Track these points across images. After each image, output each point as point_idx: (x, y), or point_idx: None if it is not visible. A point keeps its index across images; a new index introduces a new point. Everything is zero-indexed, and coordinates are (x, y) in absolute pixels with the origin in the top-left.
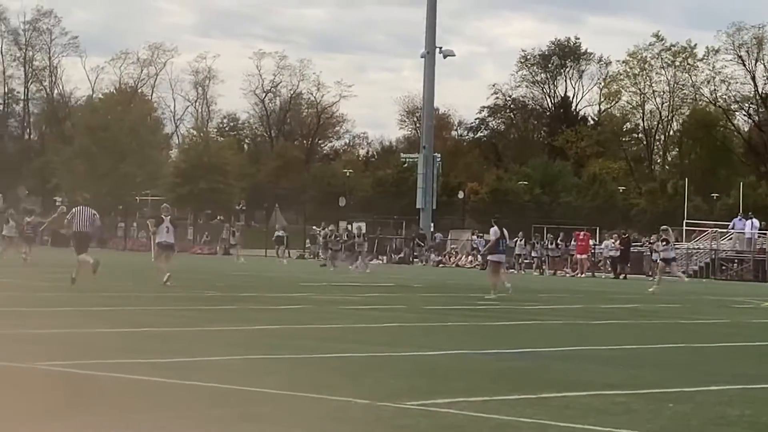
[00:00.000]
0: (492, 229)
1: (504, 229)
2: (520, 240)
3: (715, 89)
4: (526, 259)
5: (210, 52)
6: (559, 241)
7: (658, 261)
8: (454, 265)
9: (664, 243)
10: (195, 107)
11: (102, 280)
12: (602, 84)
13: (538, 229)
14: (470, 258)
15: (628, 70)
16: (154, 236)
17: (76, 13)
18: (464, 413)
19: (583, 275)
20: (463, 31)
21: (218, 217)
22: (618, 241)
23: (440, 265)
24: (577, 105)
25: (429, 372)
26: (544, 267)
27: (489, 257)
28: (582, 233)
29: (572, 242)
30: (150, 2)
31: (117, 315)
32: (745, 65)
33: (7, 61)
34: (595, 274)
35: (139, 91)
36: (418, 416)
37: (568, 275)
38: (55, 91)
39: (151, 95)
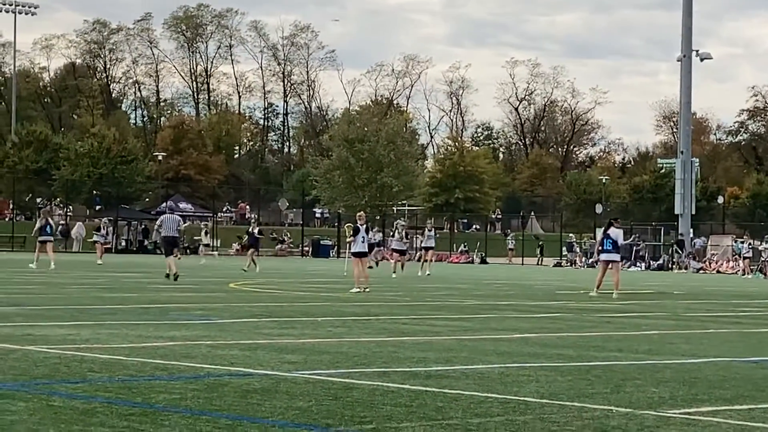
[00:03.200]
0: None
1: (614, 228)
2: None
3: None
4: None
5: (463, 62)
6: None
7: None
8: (714, 272)
9: None
10: (449, 117)
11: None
12: None
13: None
14: (731, 264)
15: None
16: (349, 245)
17: (331, 27)
18: (729, 422)
19: None
20: (719, 32)
21: (474, 227)
22: None
23: (700, 272)
24: None
25: (691, 380)
26: None
27: (600, 257)
28: None
29: None
30: (402, 14)
31: (373, 324)
32: None
33: (266, 76)
34: None
35: (395, 102)
36: (681, 425)
37: None
38: (313, 105)
39: (407, 106)
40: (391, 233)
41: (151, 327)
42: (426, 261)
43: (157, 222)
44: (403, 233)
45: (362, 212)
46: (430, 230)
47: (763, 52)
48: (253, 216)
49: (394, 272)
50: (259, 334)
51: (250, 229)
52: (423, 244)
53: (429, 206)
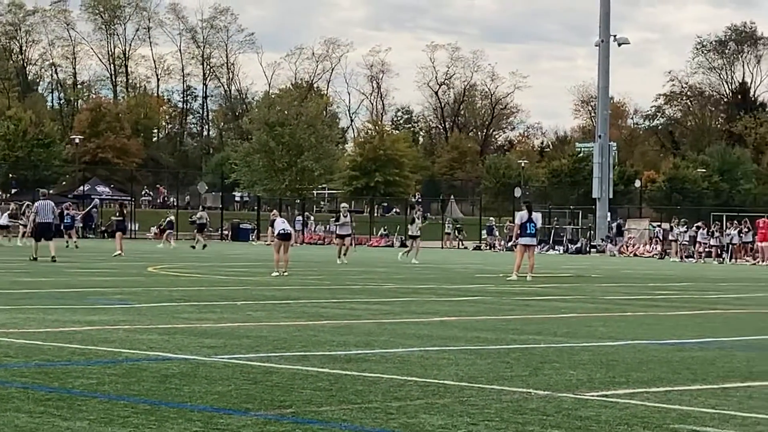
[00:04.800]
0: (519, 213)
1: (533, 213)
2: (702, 228)
3: None
4: (707, 247)
5: (383, 46)
6: (743, 228)
7: None
8: (632, 255)
9: None
10: (370, 101)
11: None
12: None
13: (716, 217)
14: (648, 247)
15: None
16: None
17: (251, 10)
18: (645, 404)
19: (765, 263)
20: (636, 17)
21: (394, 210)
22: None
23: (618, 255)
24: (755, 91)
25: (608, 363)
26: (724, 255)
27: (519, 240)
28: (762, 221)
29: (748, 231)
30: None
31: (293, 308)
32: None
33: (185, 59)
34: None
35: (315, 85)
36: (599, 407)
37: (748, 263)
38: (233, 88)
39: (327, 89)
40: (335, 217)
41: (69, 311)
42: (343, 248)
43: (32, 208)
44: (348, 216)
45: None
46: (345, 216)
47: (680, 37)
48: (201, 204)
49: (339, 257)
50: (177, 319)
51: (198, 215)
52: (337, 231)
53: (349, 190)
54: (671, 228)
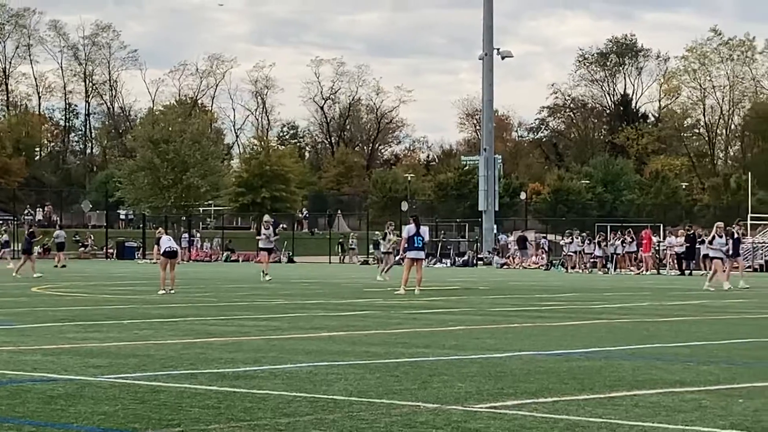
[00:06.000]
0: (407, 227)
1: (422, 226)
2: (586, 239)
3: None
4: (592, 258)
5: (267, 61)
6: (626, 239)
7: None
8: (518, 267)
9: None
10: (255, 116)
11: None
12: (661, 80)
13: (601, 227)
14: (534, 258)
15: (687, 65)
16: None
17: (133, 26)
18: (533, 415)
19: (648, 272)
20: (519, 31)
21: (282, 226)
22: (683, 237)
23: (504, 267)
24: (637, 102)
25: (497, 374)
26: (609, 265)
27: (407, 254)
28: (645, 232)
29: (632, 241)
30: (204, 12)
31: (180, 326)
32: None
33: (67, 76)
34: (660, 271)
35: (199, 102)
36: (488, 419)
37: (633, 273)
38: (116, 105)
39: (211, 106)
40: (257, 231)
41: None
42: (262, 266)
43: None
44: (271, 230)
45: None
46: (267, 228)
47: (561, 50)
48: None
49: (266, 274)
50: (63, 339)
51: (55, 234)
52: (260, 245)
53: (235, 206)
54: (572, 240)
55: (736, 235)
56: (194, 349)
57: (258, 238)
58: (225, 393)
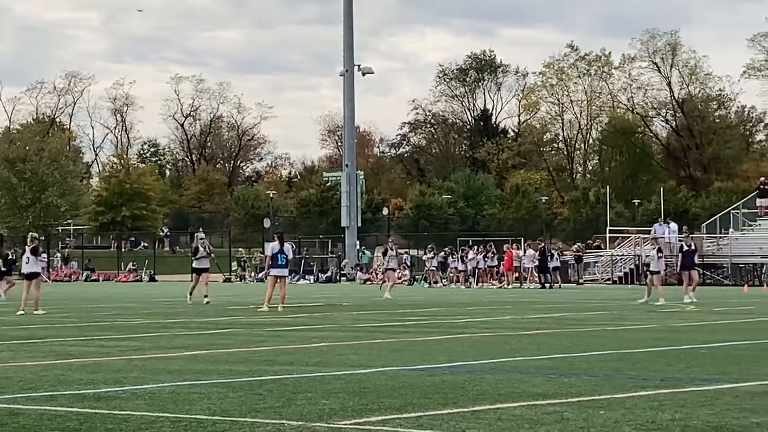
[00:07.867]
0: (270, 244)
1: (286, 243)
2: (449, 254)
3: (632, 96)
4: (456, 272)
5: (126, 78)
6: (487, 253)
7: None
8: (381, 282)
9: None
10: (114, 134)
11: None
12: (520, 95)
13: (463, 242)
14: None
15: (545, 80)
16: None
17: None
18: (398, 430)
19: (509, 286)
20: (379, 47)
21: (142, 244)
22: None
23: (367, 283)
24: (496, 117)
25: (361, 390)
26: (471, 280)
27: (270, 271)
28: (507, 250)
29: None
30: (60, 30)
31: (40, 347)
32: (660, 71)
33: None
34: (522, 284)
35: (57, 120)
36: None
37: (495, 287)
38: None
39: (70, 124)
40: (192, 251)
41: None
42: (201, 285)
43: None
44: (207, 247)
45: (34, 233)
46: (203, 246)
47: (422, 66)
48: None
49: (206, 296)
50: None
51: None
52: (194, 265)
53: (95, 225)
54: (434, 255)
55: (685, 248)
56: (54, 371)
57: (198, 257)
58: (86, 414)
